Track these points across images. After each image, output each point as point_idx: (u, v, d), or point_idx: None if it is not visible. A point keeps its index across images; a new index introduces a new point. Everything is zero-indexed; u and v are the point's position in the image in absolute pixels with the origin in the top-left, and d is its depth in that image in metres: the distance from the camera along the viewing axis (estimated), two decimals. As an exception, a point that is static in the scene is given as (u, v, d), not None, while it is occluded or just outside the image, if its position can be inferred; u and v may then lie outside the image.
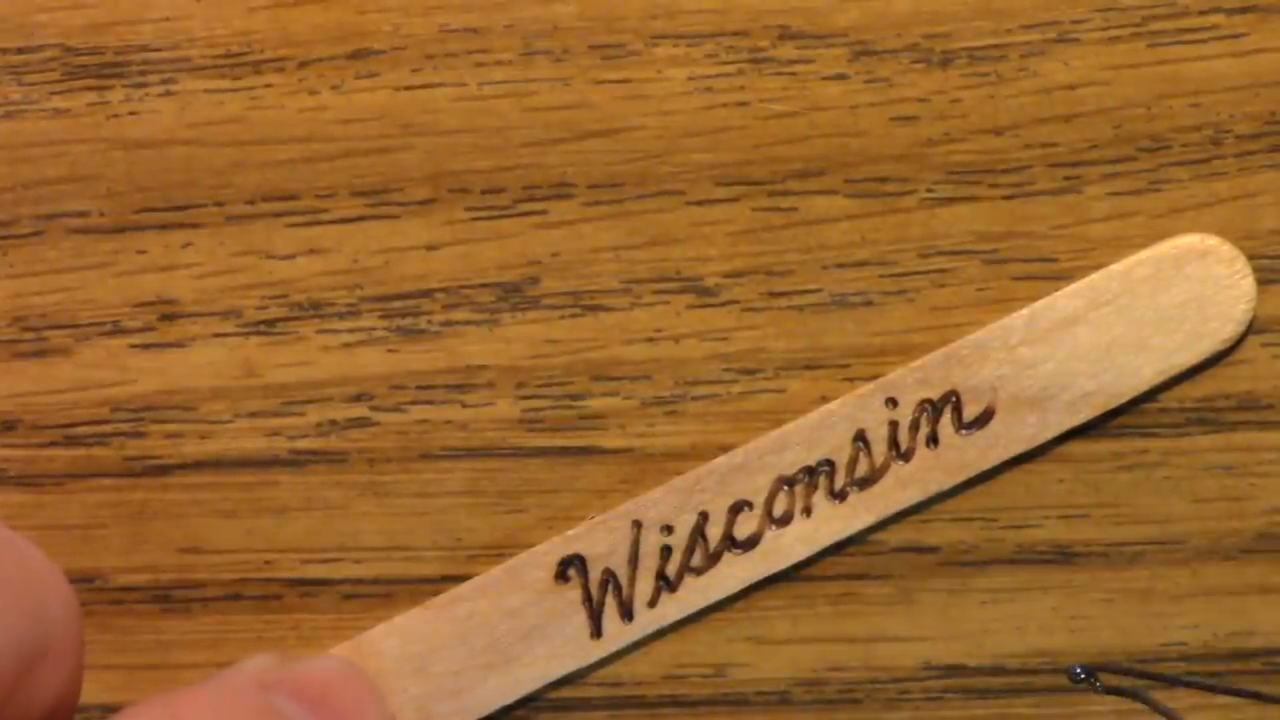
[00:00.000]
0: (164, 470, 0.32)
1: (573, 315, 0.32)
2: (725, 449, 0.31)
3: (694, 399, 0.31)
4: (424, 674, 0.31)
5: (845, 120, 0.31)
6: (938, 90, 0.31)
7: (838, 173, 0.31)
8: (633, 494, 0.31)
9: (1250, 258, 0.31)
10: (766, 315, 0.31)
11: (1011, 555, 0.31)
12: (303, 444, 0.32)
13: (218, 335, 0.32)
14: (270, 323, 0.32)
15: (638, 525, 0.31)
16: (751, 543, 0.31)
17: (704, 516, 0.31)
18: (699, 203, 0.31)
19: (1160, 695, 0.31)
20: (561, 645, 0.31)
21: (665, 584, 0.31)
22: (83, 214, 0.32)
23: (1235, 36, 0.31)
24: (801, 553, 0.31)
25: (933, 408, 0.31)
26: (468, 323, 0.32)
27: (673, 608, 0.31)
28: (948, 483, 0.31)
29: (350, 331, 0.32)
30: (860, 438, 0.31)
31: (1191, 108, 0.31)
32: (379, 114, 0.32)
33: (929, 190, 0.31)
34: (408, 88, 0.32)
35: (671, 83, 0.31)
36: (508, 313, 0.32)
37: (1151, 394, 0.31)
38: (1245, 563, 0.31)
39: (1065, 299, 0.31)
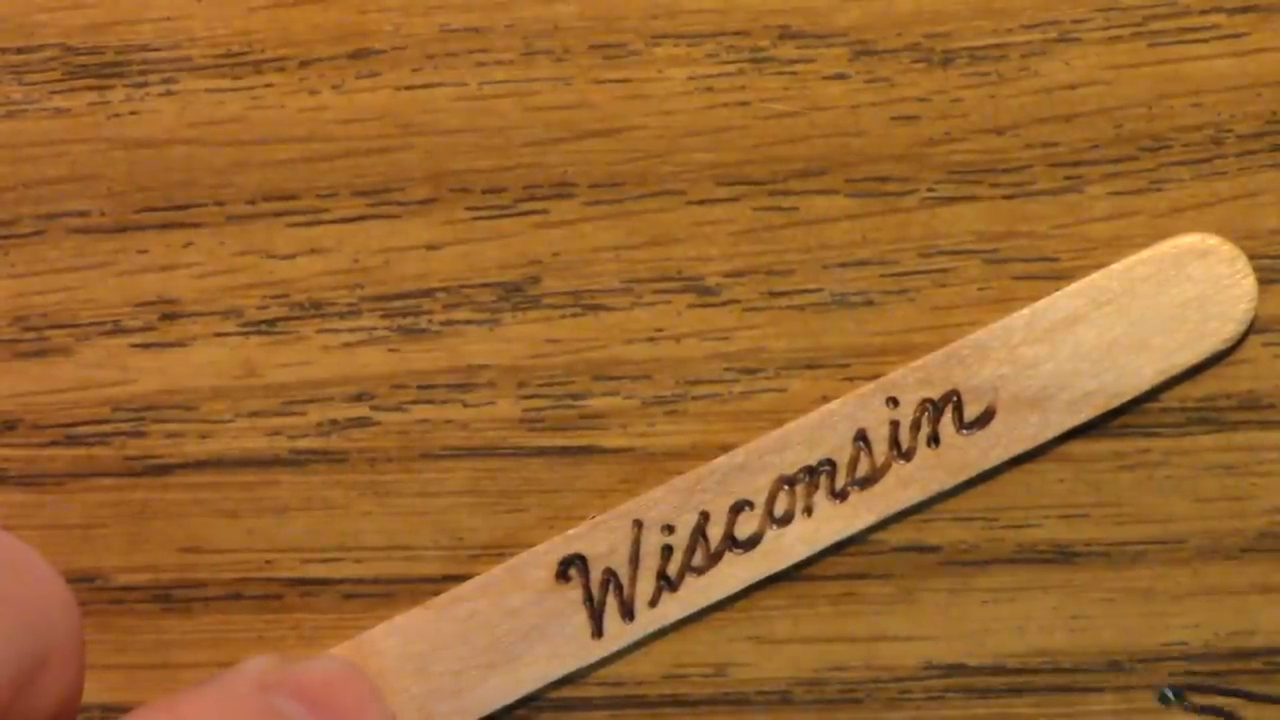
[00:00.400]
0: (164, 470, 0.32)
1: (573, 315, 0.32)
2: (726, 449, 0.31)
3: (695, 399, 0.31)
4: (425, 674, 0.31)
5: (846, 120, 0.31)
6: (938, 90, 0.31)
7: (838, 172, 0.31)
8: (633, 494, 0.31)
9: (1251, 257, 0.31)
10: (767, 315, 0.31)
11: (1012, 555, 0.31)
12: (303, 444, 0.32)
13: (218, 335, 0.32)
14: (271, 322, 0.32)
15: (639, 525, 0.31)
16: (752, 542, 0.31)
17: (705, 516, 0.31)
18: (700, 202, 0.31)
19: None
20: (562, 645, 0.31)
21: (666, 583, 0.31)
22: (83, 214, 0.32)
23: (1236, 36, 0.31)
24: (802, 552, 0.31)
25: (934, 407, 0.31)
26: (468, 322, 0.32)
27: (674, 607, 0.31)
28: (949, 482, 0.31)
29: (351, 331, 0.32)
30: (861, 437, 0.31)
31: (1192, 107, 0.31)
32: (380, 114, 0.32)
33: (930, 190, 0.31)
34: (408, 87, 0.32)
35: (672, 82, 0.31)
36: (509, 312, 0.32)
37: (1153, 394, 0.31)
38: (1246, 562, 0.31)
39: (1066, 299, 0.31)
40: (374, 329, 0.32)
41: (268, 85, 0.32)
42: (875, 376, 0.31)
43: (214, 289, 0.32)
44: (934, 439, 0.31)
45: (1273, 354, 0.31)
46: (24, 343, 0.32)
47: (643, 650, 0.31)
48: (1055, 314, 0.31)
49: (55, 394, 0.32)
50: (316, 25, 0.32)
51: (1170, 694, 0.31)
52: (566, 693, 0.31)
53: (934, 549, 0.31)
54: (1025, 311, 0.31)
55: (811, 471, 0.31)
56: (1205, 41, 0.31)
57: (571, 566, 0.31)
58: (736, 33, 0.31)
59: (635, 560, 0.31)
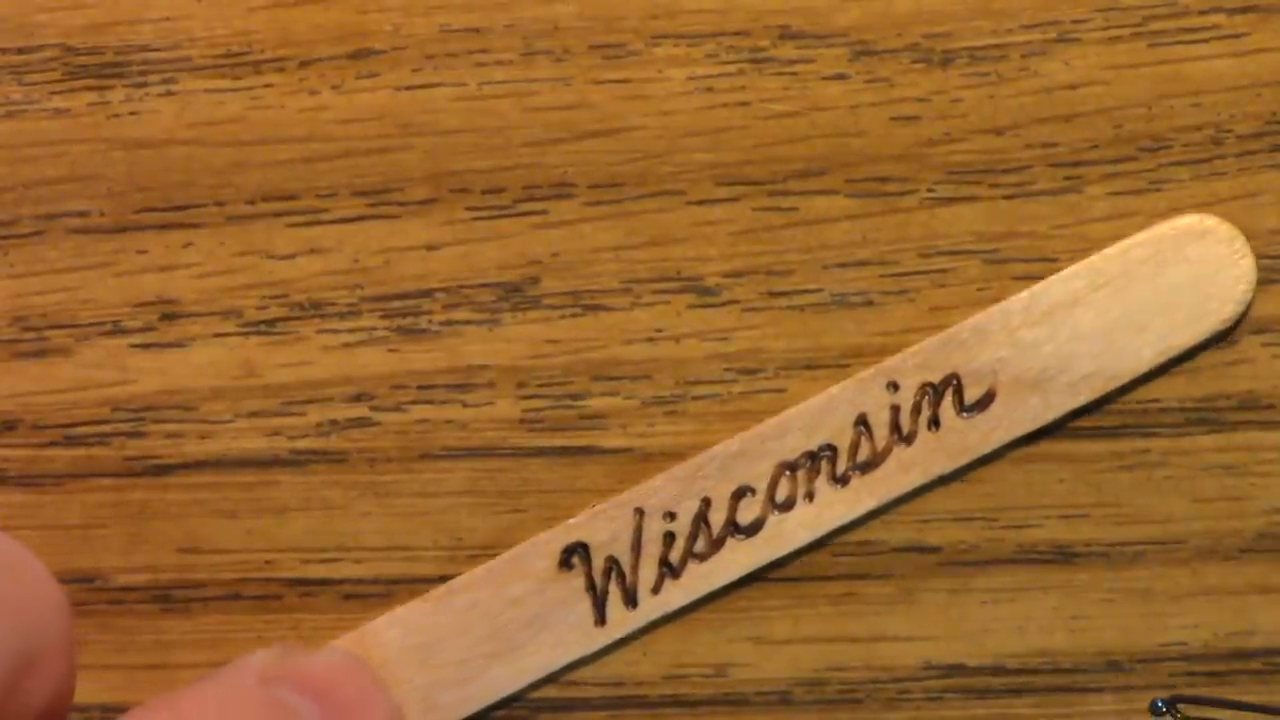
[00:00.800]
0: (164, 470, 0.32)
1: (573, 315, 0.32)
2: (726, 449, 0.31)
3: (694, 399, 0.31)
4: (428, 664, 0.31)
5: (846, 120, 0.31)
6: (938, 90, 0.31)
7: (838, 172, 0.31)
8: (633, 494, 0.31)
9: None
10: (767, 315, 0.31)
11: (1012, 555, 0.31)
12: (303, 444, 0.32)
13: (218, 335, 0.32)
14: (270, 323, 0.32)
15: (640, 512, 0.31)
16: (755, 528, 0.31)
17: (706, 503, 0.31)
18: (699, 202, 0.31)
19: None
20: (566, 633, 0.31)
21: (669, 570, 0.31)
22: (83, 214, 0.32)
23: (1236, 36, 0.31)
24: (805, 538, 0.31)
25: (934, 391, 0.31)
26: (468, 322, 0.32)
27: (677, 594, 0.31)
28: (950, 466, 0.31)
29: (350, 331, 0.32)
30: (862, 422, 0.31)
31: (1192, 107, 0.31)
32: (379, 114, 0.32)
33: (929, 190, 0.31)
34: (408, 88, 0.32)
35: (672, 83, 0.31)
36: (508, 312, 0.32)
37: (1151, 375, 0.31)
38: (1245, 562, 0.31)
39: (1064, 281, 0.31)
40: (374, 329, 0.32)
41: (267, 85, 0.32)
42: (875, 377, 0.31)
43: (214, 289, 0.32)
44: (934, 422, 0.31)
45: (1272, 354, 0.31)
46: (24, 343, 0.32)
47: (643, 650, 0.31)
48: (1054, 296, 0.31)
49: (55, 394, 0.32)
50: (316, 25, 0.32)
51: (1161, 705, 0.31)
52: (566, 693, 0.31)
53: (934, 549, 0.31)
54: (1024, 294, 0.31)
55: (813, 457, 0.31)
56: (1205, 41, 0.31)
57: (574, 555, 0.31)
58: (736, 33, 0.31)
59: (637, 548, 0.31)
